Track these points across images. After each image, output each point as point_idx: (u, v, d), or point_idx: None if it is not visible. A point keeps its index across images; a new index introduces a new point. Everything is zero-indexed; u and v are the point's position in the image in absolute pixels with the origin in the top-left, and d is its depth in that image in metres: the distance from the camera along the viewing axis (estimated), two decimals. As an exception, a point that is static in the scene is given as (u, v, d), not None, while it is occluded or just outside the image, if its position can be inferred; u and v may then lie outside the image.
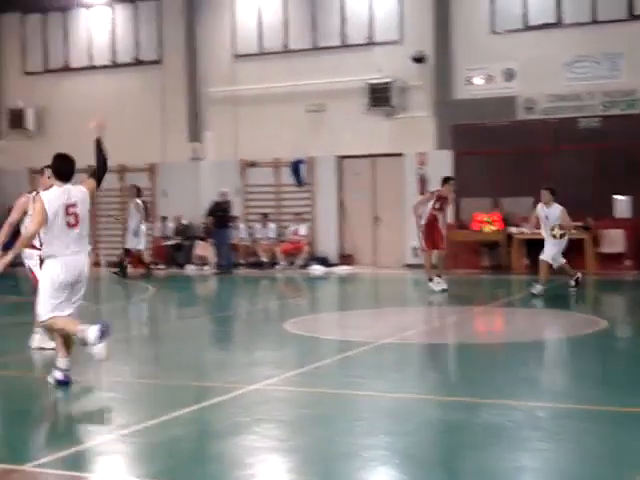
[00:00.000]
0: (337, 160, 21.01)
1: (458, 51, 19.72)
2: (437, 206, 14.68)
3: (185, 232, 21.84)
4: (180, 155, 22.02)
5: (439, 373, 8.61)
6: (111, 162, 23.58)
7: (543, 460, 5.47)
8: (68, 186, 7.76)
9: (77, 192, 7.79)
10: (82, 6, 23.04)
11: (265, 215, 21.50)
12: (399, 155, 20.25)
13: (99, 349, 7.33)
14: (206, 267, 20.80)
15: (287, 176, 21.20)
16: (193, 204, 21.71)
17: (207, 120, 22.10)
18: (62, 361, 7.64)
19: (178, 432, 6.17)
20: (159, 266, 21.49)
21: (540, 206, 14.12)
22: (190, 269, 21.08)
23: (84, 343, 7.38)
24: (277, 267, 20.71)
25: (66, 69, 23.52)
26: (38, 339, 9.45)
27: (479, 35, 19.59)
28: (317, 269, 20.19)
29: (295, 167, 20.98)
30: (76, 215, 7.62)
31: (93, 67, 23.23)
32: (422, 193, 14.63)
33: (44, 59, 23.77)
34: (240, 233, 21.23)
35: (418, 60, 19.86)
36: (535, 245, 15.51)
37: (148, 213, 22.63)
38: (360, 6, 20.65)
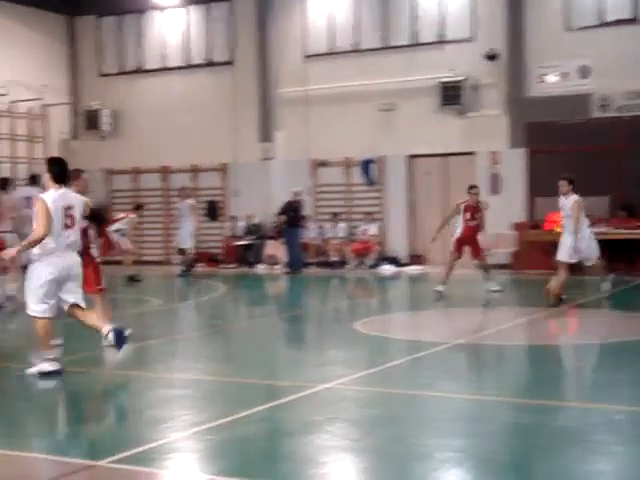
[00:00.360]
0: (407, 159, 20.90)
1: (531, 48, 19.42)
2: (468, 217, 14.34)
3: (256, 231, 21.99)
4: (251, 155, 22.17)
5: (512, 375, 8.49)
6: (183, 162, 24.01)
7: (620, 464, 5.34)
8: (64, 189, 8.09)
9: (74, 196, 8.21)
10: (156, 8, 23.38)
11: (335, 214, 21.51)
12: (471, 154, 20.05)
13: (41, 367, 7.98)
14: (276, 266, 20.90)
15: (357, 175, 21.18)
16: (263, 204, 21.84)
17: (278, 120, 22.21)
18: (48, 352, 8.14)
19: (250, 430, 6.20)
20: (230, 265, 21.69)
21: (560, 198, 13.31)
22: (260, 268, 21.21)
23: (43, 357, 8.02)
24: (347, 267, 20.69)
25: (140, 71, 23.90)
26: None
27: (553, 31, 19.26)
28: (387, 269, 20.10)
29: (365, 166, 20.93)
30: (72, 217, 8.01)
31: (166, 68, 23.55)
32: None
33: (119, 61, 24.20)
34: (310, 232, 21.28)
35: (491, 57, 19.63)
36: (611, 244, 15.14)
37: (218, 213, 22.89)
38: (431, 4, 20.50)
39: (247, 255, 21.88)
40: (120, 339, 8.21)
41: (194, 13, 23.26)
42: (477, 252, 14.59)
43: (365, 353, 9.60)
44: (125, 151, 23.66)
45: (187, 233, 19.59)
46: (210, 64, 23.07)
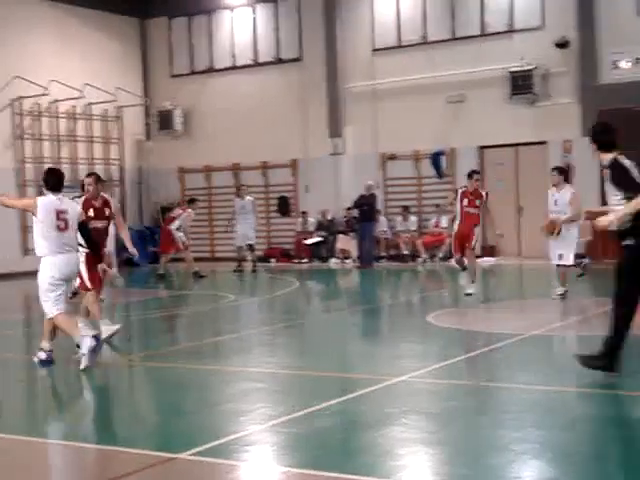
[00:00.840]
0: (478, 150, 20.72)
1: (603, 34, 19.03)
2: (465, 203, 13.28)
3: (328, 227, 22.08)
4: (321, 150, 22.27)
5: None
6: (253, 159, 24.21)
7: None
8: (59, 196, 8.70)
9: (69, 203, 8.84)
10: (225, 8, 23.65)
11: (406, 208, 21.46)
12: (543, 143, 19.77)
13: (85, 359, 8.22)
14: (348, 260, 20.97)
15: (427, 168, 21.07)
16: (333, 199, 21.93)
17: (347, 115, 22.25)
18: (46, 344, 8.67)
19: (326, 423, 6.27)
20: (302, 260, 21.85)
21: (550, 190, 12.62)
22: (333, 263, 21.30)
23: (77, 346, 8.34)
24: (418, 260, 20.64)
25: (210, 70, 24.22)
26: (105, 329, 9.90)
27: (625, 17, 18.84)
28: (459, 261, 19.95)
29: (435, 159, 20.81)
30: (66, 221, 8.60)
31: (236, 67, 23.81)
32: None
33: (189, 61, 24.56)
34: (381, 226, 21.28)
35: (561, 45, 19.32)
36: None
37: (289, 209, 23.07)
38: (500, -7, 20.29)
39: (319, 250, 22.00)
40: (96, 347, 8.41)
41: (262, 11, 23.45)
42: (468, 245, 13.15)
43: (439, 345, 9.59)
44: (197, 150, 24.02)
45: (252, 229, 19.74)
46: (279, 61, 23.24)
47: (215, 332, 11.60)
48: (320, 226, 22.22)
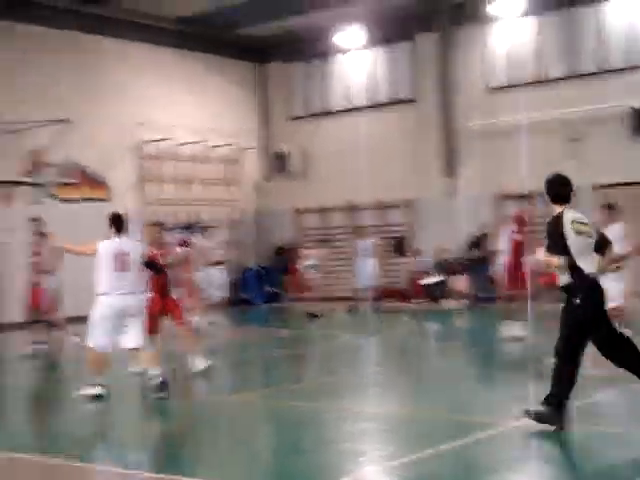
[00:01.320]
0: (596, 189, 20.24)
1: None
2: (514, 229, 12.99)
3: (444, 267, 21.94)
4: (436, 190, 22.25)
5: None
6: (368, 199, 24.13)
7: None
8: (123, 238, 9.51)
9: (132, 245, 9.57)
10: (340, 51, 24.05)
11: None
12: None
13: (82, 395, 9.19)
14: (463, 301, 20.76)
15: (545, 207, 20.67)
16: (448, 239, 21.81)
17: (462, 154, 22.18)
18: (154, 371, 9.27)
19: (443, 466, 6.24)
20: (417, 300, 21.76)
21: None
22: (447, 303, 21.13)
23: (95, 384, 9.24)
24: (538, 299, 20.21)
25: (326, 112, 24.62)
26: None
27: None
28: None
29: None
30: (125, 262, 9.27)
31: (351, 109, 24.13)
32: None
33: (306, 104, 25.04)
34: (498, 266, 20.94)
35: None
36: None
37: (405, 248, 23.05)
38: (618, 27, 19.91)
39: (434, 290, 21.87)
40: (163, 387, 9.18)
41: (377, 54, 23.75)
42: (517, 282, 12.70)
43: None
44: (313, 190, 24.38)
45: (373, 271, 19.49)
46: (394, 102, 23.44)
47: (331, 371, 11.70)
48: (435, 266, 22.09)
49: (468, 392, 9.69)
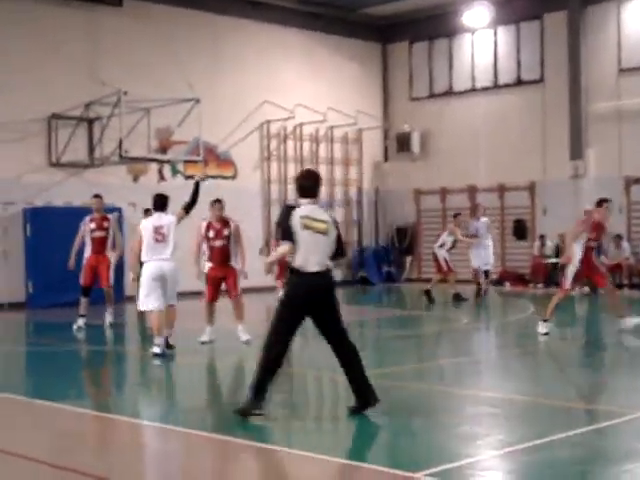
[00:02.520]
0: None
1: None
2: (592, 235, 12.41)
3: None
4: (561, 173, 21.73)
5: None
6: (490, 181, 23.79)
7: None
8: (160, 214, 11.18)
9: (166, 218, 11.12)
10: (466, 31, 23.70)
11: (651, 234, 20.41)
12: None
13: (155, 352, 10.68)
14: (584, 287, 20.22)
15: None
16: (573, 223, 21.22)
17: (589, 136, 21.57)
18: (158, 339, 10.85)
19: (564, 454, 6.15)
20: (538, 284, 21.38)
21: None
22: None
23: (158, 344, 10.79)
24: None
25: (449, 93, 24.36)
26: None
27: None
28: None
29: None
30: (163, 234, 10.91)
31: (474, 89, 23.79)
32: None
33: (429, 84, 24.83)
34: (624, 252, 20.37)
35: None
36: None
37: (526, 232, 22.64)
38: None
39: (556, 275, 21.39)
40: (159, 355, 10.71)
41: (503, 33, 23.28)
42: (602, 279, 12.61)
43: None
44: (434, 172, 24.21)
45: (490, 253, 19.15)
46: (519, 83, 22.97)
47: (448, 354, 11.66)
48: (559, 250, 21.61)
49: (592, 380, 9.48)
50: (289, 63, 23.25)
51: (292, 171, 23.24)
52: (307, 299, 7.18)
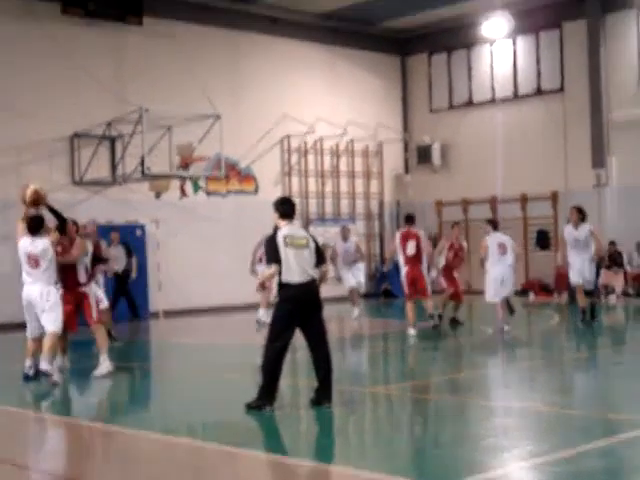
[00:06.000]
0: None
1: None
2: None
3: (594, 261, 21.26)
4: (583, 182, 21.63)
5: None
6: (512, 191, 23.44)
7: None
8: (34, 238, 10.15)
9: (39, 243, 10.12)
10: (485, 41, 23.69)
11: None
12: None
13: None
14: (611, 296, 20.09)
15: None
16: (597, 232, 21.09)
17: (611, 145, 21.47)
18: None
19: (592, 465, 6.09)
20: (561, 294, 21.24)
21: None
22: (597, 298, 20.48)
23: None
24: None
25: (469, 104, 24.34)
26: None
27: None
28: None
29: None
30: (36, 260, 10.03)
31: (494, 100, 23.76)
32: None
33: (448, 95, 24.83)
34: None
35: None
36: None
37: (549, 242, 22.53)
38: None
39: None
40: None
41: (522, 43, 23.26)
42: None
43: None
44: (455, 183, 24.18)
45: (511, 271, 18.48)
46: (539, 93, 22.92)
47: (474, 365, 11.61)
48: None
49: (619, 391, 9.40)
50: (309, 78, 23.34)
51: (313, 185, 23.34)
52: (295, 307, 8.12)
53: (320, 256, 8.37)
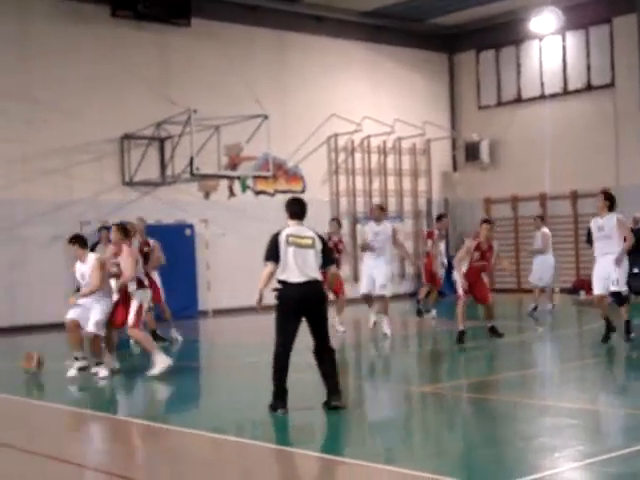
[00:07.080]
0: None
1: None
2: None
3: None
4: (634, 178, 21.29)
5: None
6: (562, 189, 23.17)
7: None
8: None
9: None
10: (533, 37, 23.44)
11: None
12: None
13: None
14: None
15: None
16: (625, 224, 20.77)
17: (664, 140, 21.11)
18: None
19: (647, 465, 6.02)
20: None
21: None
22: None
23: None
24: None
25: (518, 100, 24.11)
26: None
27: None
28: None
29: None
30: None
31: (543, 96, 23.50)
32: None
33: (497, 92, 24.62)
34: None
35: None
36: None
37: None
38: None
39: (636, 281, 20.87)
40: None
41: (572, 38, 22.97)
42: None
43: None
44: (504, 180, 23.98)
45: (549, 268, 17.43)
46: (589, 88, 22.62)
47: (523, 365, 11.52)
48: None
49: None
50: (355, 76, 23.32)
51: (360, 184, 23.32)
52: (294, 306, 8.04)
53: (327, 257, 8.35)
